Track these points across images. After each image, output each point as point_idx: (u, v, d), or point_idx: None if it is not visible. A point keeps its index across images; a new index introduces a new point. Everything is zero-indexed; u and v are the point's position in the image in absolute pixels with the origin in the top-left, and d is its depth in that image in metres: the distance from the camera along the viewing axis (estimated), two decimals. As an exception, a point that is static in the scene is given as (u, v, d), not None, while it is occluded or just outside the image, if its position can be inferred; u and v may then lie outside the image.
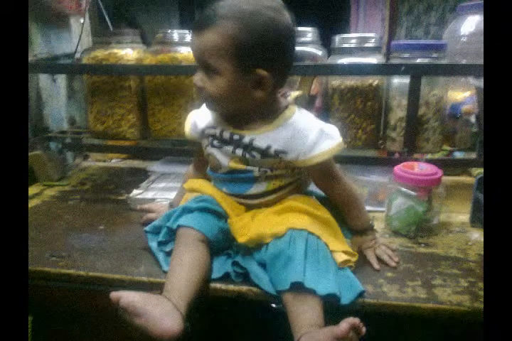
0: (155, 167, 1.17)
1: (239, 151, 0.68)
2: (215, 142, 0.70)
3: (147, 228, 0.75)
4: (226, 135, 0.68)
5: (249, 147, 0.67)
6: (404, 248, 0.78)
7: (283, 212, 0.69)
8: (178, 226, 0.67)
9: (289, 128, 0.66)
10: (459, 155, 1.07)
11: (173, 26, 2.27)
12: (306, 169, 0.69)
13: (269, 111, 0.67)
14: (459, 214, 0.89)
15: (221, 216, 0.70)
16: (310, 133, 0.65)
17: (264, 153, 0.67)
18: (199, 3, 2.21)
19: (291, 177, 0.71)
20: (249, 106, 0.66)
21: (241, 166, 0.69)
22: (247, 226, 0.68)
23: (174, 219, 0.69)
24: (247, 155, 0.67)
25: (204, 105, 0.71)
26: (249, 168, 0.68)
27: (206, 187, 0.74)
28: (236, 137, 0.68)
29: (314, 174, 0.70)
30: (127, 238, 0.81)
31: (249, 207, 0.73)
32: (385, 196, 0.87)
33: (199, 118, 0.73)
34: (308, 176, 0.72)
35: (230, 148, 0.68)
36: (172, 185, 1.03)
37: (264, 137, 0.66)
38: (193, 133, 0.75)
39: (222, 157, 0.70)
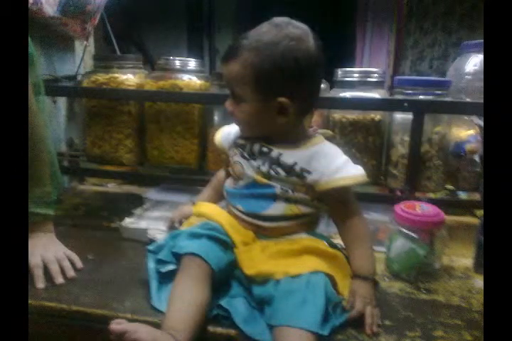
0: (150, 194, 1.15)
1: (264, 168, 0.69)
2: (244, 153, 0.71)
3: (151, 247, 0.73)
4: (256, 147, 0.70)
5: (275, 162, 0.68)
6: (404, 293, 0.74)
7: (300, 253, 0.67)
8: (185, 253, 0.65)
9: (317, 151, 0.68)
10: (462, 195, 1.04)
11: (182, 53, 2.31)
12: (326, 194, 0.68)
13: (297, 137, 0.69)
14: (462, 258, 0.86)
15: (228, 246, 0.68)
16: (336, 159, 0.68)
17: (290, 170, 0.68)
18: (207, 32, 2.26)
19: (309, 208, 0.70)
20: (274, 131, 0.68)
21: (264, 180, 0.69)
22: (255, 259, 0.67)
23: (180, 242, 0.68)
24: (272, 172, 0.68)
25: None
26: (271, 183, 0.68)
27: (215, 214, 0.73)
28: (265, 150, 0.69)
29: (332, 201, 0.70)
30: (115, 270, 0.79)
31: (257, 233, 0.71)
32: (385, 235, 0.84)
33: (234, 129, 0.76)
34: (323, 203, 0.71)
35: (255, 163, 0.69)
36: (166, 215, 1.00)
37: (291, 154, 0.68)
38: (224, 142, 0.77)
39: (248, 167, 0.70)
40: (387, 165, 1.01)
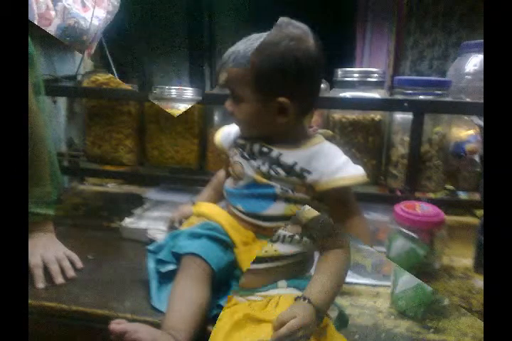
0: (150, 194, 1.15)
1: (264, 168, 0.68)
2: (244, 153, 0.71)
3: (151, 247, 0.74)
4: (255, 147, 0.70)
5: (275, 162, 0.68)
6: (410, 333, 0.68)
7: None
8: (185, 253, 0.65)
9: (317, 151, 0.68)
10: (462, 195, 1.04)
11: (183, 80, 2.25)
12: (326, 194, 0.68)
13: (297, 137, 0.69)
14: (462, 258, 0.86)
15: (228, 246, 0.69)
16: (336, 159, 0.68)
17: (290, 169, 0.67)
18: (208, 59, 2.23)
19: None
20: (274, 131, 0.68)
21: (264, 180, 0.69)
22: None
23: (180, 242, 0.68)
24: (272, 172, 0.68)
25: None
26: (271, 183, 0.68)
27: (215, 214, 0.73)
28: (265, 150, 0.69)
29: (332, 201, 0.69)
30: (115, 270, 0.79)
31: (257, 233, 0.71)
32: (385, 235, 0.84)
33: (234, 129, 0.76)
34: (323, 203, 0.71)
35: (255, 163, 0.69)
36: (166, 215, 1.00)
37: (291, 154, 0.68)
38: (224, 142, 0.77)
39: (248, 167, 0.70)
40: (387, 165, 1.01)
